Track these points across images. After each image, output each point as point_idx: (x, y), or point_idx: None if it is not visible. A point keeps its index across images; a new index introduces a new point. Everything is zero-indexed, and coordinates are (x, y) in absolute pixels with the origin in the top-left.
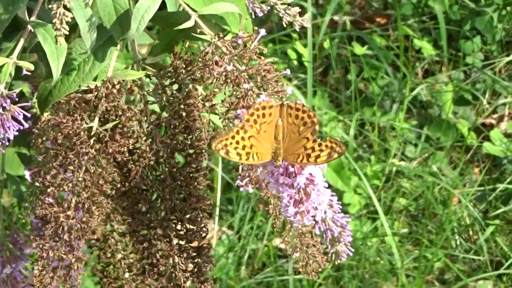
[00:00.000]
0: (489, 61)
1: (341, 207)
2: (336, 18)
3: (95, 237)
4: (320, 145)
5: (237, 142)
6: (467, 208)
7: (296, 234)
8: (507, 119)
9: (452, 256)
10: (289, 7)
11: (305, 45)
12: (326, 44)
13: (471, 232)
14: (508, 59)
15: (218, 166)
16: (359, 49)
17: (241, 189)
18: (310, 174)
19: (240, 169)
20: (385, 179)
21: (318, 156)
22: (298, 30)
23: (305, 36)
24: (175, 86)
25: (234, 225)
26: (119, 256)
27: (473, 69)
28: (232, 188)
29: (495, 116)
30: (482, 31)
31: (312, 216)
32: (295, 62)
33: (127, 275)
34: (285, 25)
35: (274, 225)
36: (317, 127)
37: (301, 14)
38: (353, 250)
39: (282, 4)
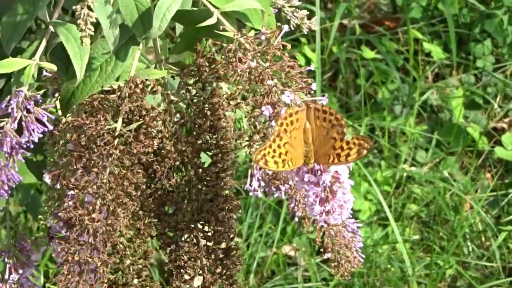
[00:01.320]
0: (500, 64)
1: (352, 212)
2: (345, 22)
3: (121, 240)
4: (348, 143)
5: (274, 151)
6: (479, 214)
7: (327, 234)
8: None
9: (464, 263)
10: (297, 9)
11: (313, 50)
12: (335, 49)
13: (483, 239)
14: None
15: None
16: (368, 53)
17: (250, 193)
18: (336, 171)
19: (253, 169)
20: (396, 185)
21: (348, 155)
22: (306, 33)
23: (314, 41)
24: (199, 85)
25: (243, 232)
26: (128, 261)
27: (484, 73)
28: (240, 195)
29: (506, 120)
30: (492, 34)
31: (338, 215)
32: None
33: (136, 281)
34: (292, 28)
35: (304, 225)
36: (344, 129)
37: (309, 17)
38: (363, 256)
39: (290, 6)
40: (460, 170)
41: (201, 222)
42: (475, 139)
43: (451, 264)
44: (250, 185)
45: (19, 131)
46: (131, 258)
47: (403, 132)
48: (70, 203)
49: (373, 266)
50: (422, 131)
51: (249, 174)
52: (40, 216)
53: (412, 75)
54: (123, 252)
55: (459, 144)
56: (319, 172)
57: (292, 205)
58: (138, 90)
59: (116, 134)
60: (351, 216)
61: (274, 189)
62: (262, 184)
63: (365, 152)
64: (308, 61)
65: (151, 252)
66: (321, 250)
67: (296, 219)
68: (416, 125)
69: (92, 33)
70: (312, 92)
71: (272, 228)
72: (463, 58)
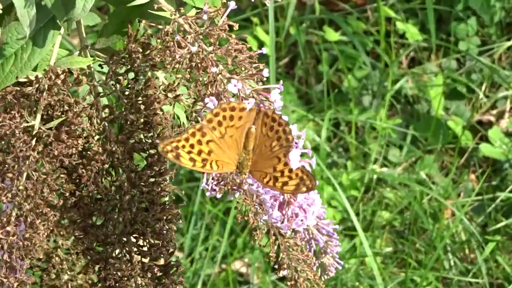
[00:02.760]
0: (486, 46)
1: (325, 211)
2: None
3: (40, 256)
4: (290, 171)
5: (192, 146)
6: (462, 222)
7: (283, 247)
8: (508, 115)
9: (445, 279)
10: None
11: (267, 31)
12: (293, 30)
13: (467, 251)
14: (508, 44)
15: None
16: (332, 35)
17: (208, 193)
18: None
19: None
20: (365, 189)
21: (285, 183)
22: (268, 3)
23: (267, 21)
24: (131, 75)
25: (185, 246)
26: (66, 277)
27: (467, 57)
28: (181, 202)
29: (494, 112)
30: (478, 11)
31: (301, 220)
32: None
33: None
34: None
35: (256, 237)
36: (290, 149)
37: None
38: (342, 262)
39: None
40: (439, 171)
41: (134, 235)
42: (457, 135)
43: (429, 280)
44: (207, 184)
45: None
46: (69, 273)
47: (373, 127)
48: None
49: (338, 284)
50: (395, 126)
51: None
52: None
53: (384, 60)
54: (60, 266)
55: (439, 141)
56: None
57: (241, 214)
58: (59, 82)
59: (34, 133)
60: (325, 216)
61: (235, 187)
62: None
63: (304, 189)
64: (261, 45)
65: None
66: (276, 266)
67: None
68: (388, 119)
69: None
70: (265, 79)
71: (220, 241)
72: (443, 40)
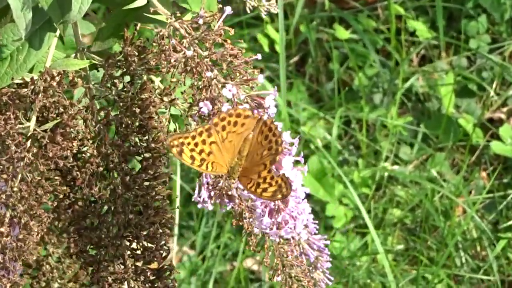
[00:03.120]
0: (496, 44)
1: (317, 227)
2: None
3: (29, 262)
4: (272, 178)
5: (196, 144)
6: (473, 219)
7: (277, 253)
8: None
9: (457, 277)
10: None
11: (278, 29)
12: (303, 28)
13: (478, 248)
14: None
15: (177, 174)
16: (342, 33)
17: (199, 205)
18: (288, 178)
19: (202, 177)
20: (376, 187)
21: (264, 190)
22: (264, 16)
23: (278, 19)
24: (127, 78)
25: (197, 244)
26: (56, 285)
27: (478, 55)
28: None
29: (504, 109)
30: (488, 9)
31: (290, 228)
32: (267, 50)
33: None
34: (249, 11)
35: (250, 243)
36: (277, 157)
37: None
38: (332, 278)
39: None
40: (450, 169)
41: (128, 238)
42: (468, 132)
43: (441, 278)
44: (199, 196)
45: None
46: (59, 281)
47: (384, 124)
48: None
49: (350, 281)
50: (406, 124)
51: (197, 183)
52: None
53: (394, 58)
54: (50, 274)
55: (450, 138)
56: None
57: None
58: (54, 84)
59: (29, 134)
60: (316, 232)
61: (227, 200)
62: (213, 194)
63: (279, 196)
64: (272, 43)
65: (82, 274)
66: (271, 272)
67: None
68: (399, 117)
69: None
70: (259, 85)
71: (232, 239)
72: (453, 37)
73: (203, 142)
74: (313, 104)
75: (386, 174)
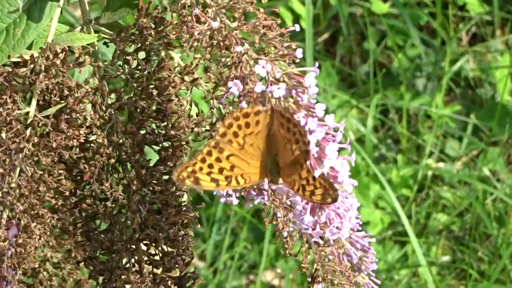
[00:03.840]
0: None
1: (360, 222)
2: None
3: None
4: (314, 179)
5: (210, 166)
6: None
7: (317, 257)
8: None
9: None
10: None
11: (303, 2)
12: (333, 0)
13: None
14: None
15: None
16: (379, 7)
17: (222, 200)
18: (332, 168)
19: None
20: (418, 188)
21: (312, 193)
22: None
23: None
24: (142, 54)
25: (207, 254)
26: None
27: None
28: (202, 202)
29: None
30: None
31: (337, 228)
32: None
33: None
34: None
35: (286, 246)
36: (309, 155)
37: None
38: (379, 282)
39: None
40: (505, 166)
41: (145, 242)
42: None
43: None
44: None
45: None
46: None
47: (428, 115)
48: None
49: None
50: (454, 114)
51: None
52: None
53: (440, 37)
54: (48, 282)
55: (505, 131)
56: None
57: (269, 218)
58: (58, 62)
59: (29, 121)
60: (359, 228)
61: (254, 193)
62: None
63: (329, 200)
64: (297, 18)
65: (85, 281)
66: (310, 279)
67: (285, 234)
68: (446, 105)
69: None
70: (298, 60)
71: (248, 248)
72: (510, 12)
73: (218, 160)
74: (345, 90)
75: (430, 172)
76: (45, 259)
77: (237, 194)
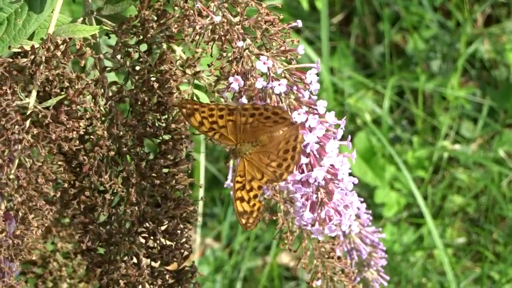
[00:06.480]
0: None
1: (370, 217)
2: None
3: (33, 259)
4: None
5: (211, 115)
6: None
7: (317, 253)
8: None
9: None
10: None
11: None
12: None
13: None
14: None
15: (200, 154)
16: None
17: (232, 192)
18: (332, 166)
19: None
20: (433, 169)
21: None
22: None
23: None
24: (143, 47)
25: (223, 235)
26: (64, 286)
27: None
28: (219, 184)
29: None
30: None
31: (336, 225)
32: (305, 6)
33: None
34: None
35: (285, 241)
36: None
37: None
38: (388, 278)
39: None
40: None
41: (143, 235)
42: None
43: (509, 276)
44: (232, 181)
45: None
46: (68, 280)
47: (443, 96)
48: None
49: (402, 280)
50: (469, 95)
51: (230, 166)
52: None
53: (455, 18)
54: (58, 272)
55: None
56: (309, 166)
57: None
58: (59, 53)
59: (29, 112)
60: (369, 224)
61: (265, 186)
62: None
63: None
64: None
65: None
66: (309, 275)
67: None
68: (461, 87)
69: None
70: (299, 57)
71: (263, 229)
72: None
73: (221, 116)
74: (360, 71)
75: (445, 154)
76: (55, 250)
77: None
